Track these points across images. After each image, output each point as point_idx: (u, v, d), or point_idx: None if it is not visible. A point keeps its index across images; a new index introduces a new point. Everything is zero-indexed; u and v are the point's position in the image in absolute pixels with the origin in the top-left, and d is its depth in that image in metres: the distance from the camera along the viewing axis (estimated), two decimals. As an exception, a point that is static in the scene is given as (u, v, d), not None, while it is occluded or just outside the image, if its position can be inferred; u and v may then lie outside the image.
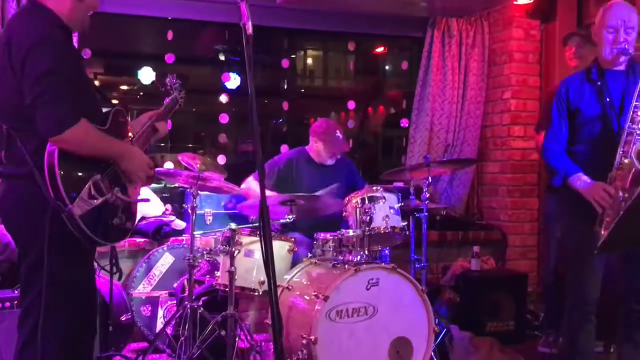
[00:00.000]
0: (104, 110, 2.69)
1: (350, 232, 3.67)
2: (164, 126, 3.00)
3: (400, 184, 5.31)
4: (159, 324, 4.33)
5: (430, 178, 4.12)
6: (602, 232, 3.03)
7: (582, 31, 4.46)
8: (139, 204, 2.84)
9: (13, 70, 2.40)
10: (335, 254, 3.72)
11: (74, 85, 2.44)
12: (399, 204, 3.84)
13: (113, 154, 2.57)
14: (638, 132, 3.03)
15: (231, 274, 3.58)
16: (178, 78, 3.33)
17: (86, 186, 2.40)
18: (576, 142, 3.30)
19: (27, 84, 2.36)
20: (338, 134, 4.57)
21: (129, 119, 2.87)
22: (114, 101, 5.57)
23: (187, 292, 3.82)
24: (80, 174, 2.41)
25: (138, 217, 4.49)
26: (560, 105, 3.34)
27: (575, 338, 3.32)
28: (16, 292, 3.45)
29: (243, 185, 4.47)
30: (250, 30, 2.22)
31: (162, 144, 5.35)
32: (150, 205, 4.67)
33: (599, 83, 3.24)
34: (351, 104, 6.10)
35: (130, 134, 2.81)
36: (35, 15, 2.51)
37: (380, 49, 6.59)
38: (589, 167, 3.20)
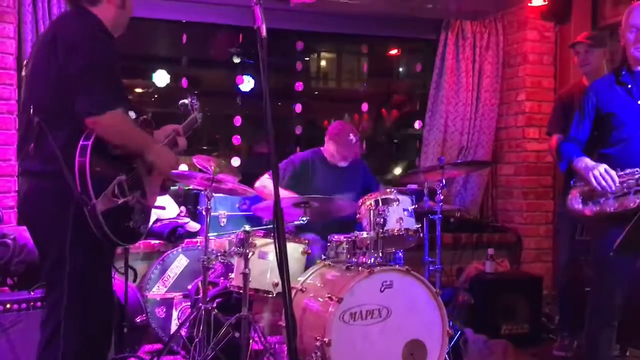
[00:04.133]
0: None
1: (364, 234, 3.67)
2: (183, 141, 3.09)
3: (414, 186, 5.30)
4: (174, 326, 4.34)
5: (444, 180, 4.11)
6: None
7: (587, 37, 4.46)
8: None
9: (57, 65, 2.47)
10: (349, 256, 3.72)
11: (114, 82, 2.55)
12: (413, 206, 3.83)
13: (144, 144, 2.65)
14: None
15: (245, 276, 3.59)
16: (190, 81, 3.40)
17: (111, 185, 2.46)
18: (608, 145, 3.26)
19: (74, 75, 2.44)
20: (351, 137, 4.57)
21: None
22: (124, 88, 5.64)
23: (201, 294, 3.83)
24: (107, 172, 2.48)
25: (153, 218, 4.53)
26: (585, 107, 3.30)
27: (595, 342, 3.30)
28: (33, 293, 3.48)
29: (257, 184, 4.47)
30: (264, 33, 2.23)
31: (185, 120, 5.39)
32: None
33: (629, 86, 3.21)
34: (365, 106, 6.10)
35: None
36: (82, 17, 2.63)
37: (393, 51, 6.58)
38: (621, 170, 3.17)
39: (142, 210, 2.65)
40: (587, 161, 3.17)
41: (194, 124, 3.34)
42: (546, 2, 5.37)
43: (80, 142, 2.43)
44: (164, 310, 4.43)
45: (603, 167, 3.09)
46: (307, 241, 3.92)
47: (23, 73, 2.77)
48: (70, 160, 2.41)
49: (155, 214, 4.62)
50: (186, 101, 3.43)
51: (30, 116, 2.53)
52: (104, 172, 2.46)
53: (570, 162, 3.24)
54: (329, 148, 4.64)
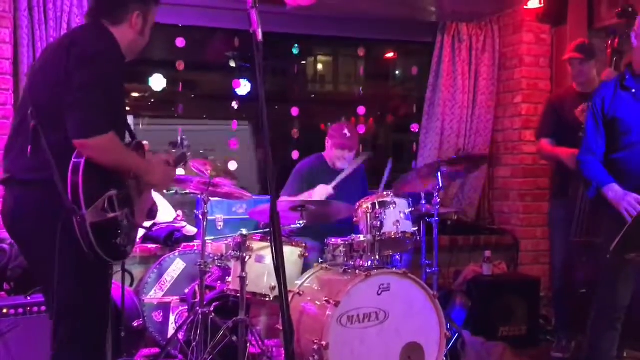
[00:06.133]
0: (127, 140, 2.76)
1: (361, 237, 3.67)
2: (174, 172, 3.07)
3: (411, 189, 5.30)
4: (171, 330, 4.33)
5: (440, 182, 4.11)
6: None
7: (579, 49, 4.50)
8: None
9: (67, 71, 2.45)
10: (346, 259, 3.72)
11: (112, 105, 2.51)
12: (410, 209, 3.84)
13: (135, 167, 2.61)
14: None
15: (242, 280, 3.59)
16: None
17: (102, 198, 2.42)
18: (616, 149, 3.27)
19: (75, 85, 2.41)
20: (346, 131, 4.60)
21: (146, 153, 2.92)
22: (126, 108, 5.64)
23: (198, 298, 3.83)
24: (99, 185, 2.43)
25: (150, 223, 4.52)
26: (595, 116, 3.30)
27: (598, 343, 3.30)
28: (29, 298, 3.47)
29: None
30: (260, 37, 2.23)
31: (174, 150, 5.39)
32: (161, 212, 4.69)
33: (634, 90, 3.22)
34: (361, 110, 6.10)
35: None
36: (102, 32, 2.62)
37: (390, 54, 6.59)
38: (629, 175, 3.18)
39: (129, 229, 2.61)
40: (617, 189, 3.14)
41: (184, 159, 3.35)
42: (542, 5, 5.37)
43: (74, 154, 2.39)
44: (161, 314, 4.42)
45: (633, 198, 3.08)
46: (304, 244, 3.92)
47: (27, 73, 2.76)
48: (62, 169, 2.38)
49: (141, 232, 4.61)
50: (178, 139, 3.54)
51: (27, 119, 2.49)
52: (97, 185, 2.42)
53: (600, 189, 3.21)
54: (328, 150, 4.69)
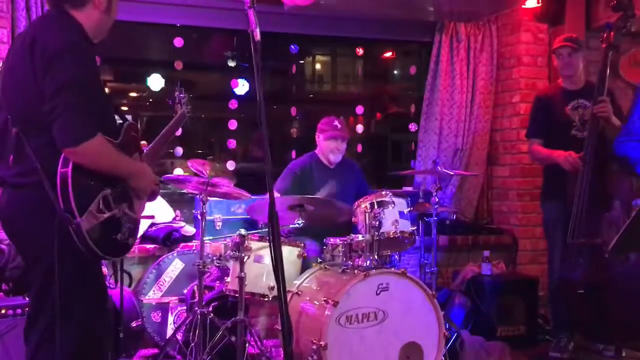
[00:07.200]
0: (118, 122, 2.70)
1: (360, 237, 3.67)
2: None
3: (410, 189, 5.31)
4: (170, 330, 4.34)
5: (438, 182, 4.12)
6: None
7: (569, 40, 4.51)
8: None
9: (34, 73, 2.37)
10: (344, 258, 3.72)
11: (93, 98, 2.43)
12: (409, 209, 3.84)
13: (124, 172, 2.56)
14: None
15: (241, 280, 3.59)
16: (185, 85, 3.37)
17: (95, 200, 2.38)
18: None
19: (49, 91, 2.33)
20: (336, 123, 4.68)
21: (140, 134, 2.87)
22: (124, 108, 5.64)
23: (197, 298, 3.83)
24: (91, 187, 2.39)
25: (144, 228, 4.52)
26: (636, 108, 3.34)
27: None
28: (27, 299, 3.46)
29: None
30: (258, 37, 2.23)
31: (171, 150, 5.39)
32: (160, 212, 4.69)
33: None
34: (360, 109, 6.10)
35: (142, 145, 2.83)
36: (62, 22, 2.51)
37: (388, 54, 6.60)
38: None
39: (130, 222, 2.58)
40: None
41: (183, 118, 3.30)
42: (540, 4, 5.38)
43: (62, 158, 2.34)
44: (160, 314, 4.42)
45: None
46: (302, 244, 3.92)
47: None
48: (51, 174, 2.33)
49: (146, 223, 4.61)
50: (175, 96, 3.43)
51: (7, 125, 2.44)
52: (88, 187, 2.37)
53: None
54: (320, 145, 4.72)
